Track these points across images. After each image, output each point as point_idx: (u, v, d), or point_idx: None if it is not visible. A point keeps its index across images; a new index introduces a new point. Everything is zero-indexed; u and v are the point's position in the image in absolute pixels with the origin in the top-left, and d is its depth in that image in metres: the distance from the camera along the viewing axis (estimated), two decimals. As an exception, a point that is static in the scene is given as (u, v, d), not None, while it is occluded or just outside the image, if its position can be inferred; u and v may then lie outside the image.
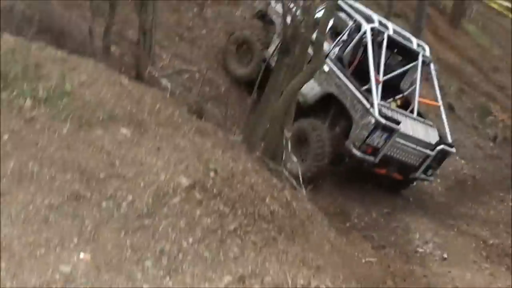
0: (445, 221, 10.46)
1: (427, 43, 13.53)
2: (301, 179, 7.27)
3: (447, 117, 14.82)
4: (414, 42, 10.78)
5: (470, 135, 15.02)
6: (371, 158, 9.50)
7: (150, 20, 6.90)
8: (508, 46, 22.60)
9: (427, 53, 10.93)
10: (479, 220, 11.28)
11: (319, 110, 10.06)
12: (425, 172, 10.36)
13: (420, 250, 8.54)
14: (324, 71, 9.68)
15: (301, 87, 6.81)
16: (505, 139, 15.55)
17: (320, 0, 6.35)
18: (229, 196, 4.94)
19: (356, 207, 9.81)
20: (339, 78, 9.74)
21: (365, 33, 9.91)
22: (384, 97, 9.87)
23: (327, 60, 9.73)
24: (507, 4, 23.02)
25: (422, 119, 10.47)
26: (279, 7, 11.05)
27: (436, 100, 11.25)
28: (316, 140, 9.56)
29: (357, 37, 10.02)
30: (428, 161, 10.18)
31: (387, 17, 12.78)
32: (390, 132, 9.37)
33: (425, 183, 11.96)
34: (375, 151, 9.44)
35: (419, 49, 10.74)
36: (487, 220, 11.44)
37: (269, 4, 11.75)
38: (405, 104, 10.68)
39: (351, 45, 10.06)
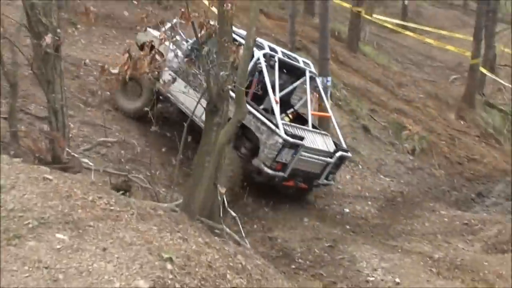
0: (387, 243, 10.41)
1: (331, 71, 13.77)
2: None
3: (364, 138, 15.21)
4: (300, 61, 11.54)
5: (389, 152, 15.22)
6: (281, 174, 10.14)
7: (59, 98, 6.41)
8: (405, 61, 23.48)
9: (312, 69, 11.72)
10: (417, 235, 11.31)
11: None
12: (326, 178, 11.04)
13: (371, 278, 8.34)
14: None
15: (229, 141, 6.53)
16: (422, 150, 15.88)
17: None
18: (191, 286, 4.49)
19: (296, 246, 9.58)
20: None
21: (258, 59, 10.46)
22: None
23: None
24: (397, 21, 23.91)
25: (318, 130, 11.28)
26: (167, 42, 11.37)
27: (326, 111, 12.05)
28: (226, 164, 9.55)
29: (251, 64, 10.19)
30: (329, 168, 10.89)
31: (292, 51, 12.86)
32: (296, 148, 10.06)
33: (358, 208, 12.02)
34: (284, 166, 10.12)
35: (306, 66, 11.51)
36: (425, 233, 11.50)
37: (154, 36, 11.57)
38: (297, 117, 11.52)
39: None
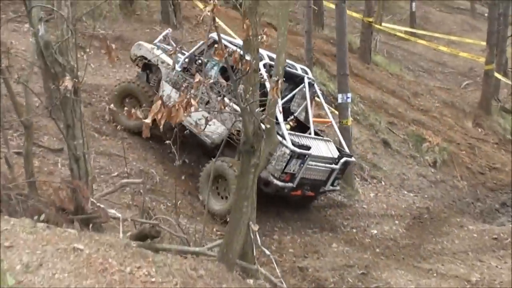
0: (420, 265, 10.01)
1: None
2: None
3: (384, 153, 14.80)
4: (299, 68, 11.42)
5: (411, 165, 14.81)
6: (290, 185, 10.06)
7: (81, 144, 6.01)
8: (417, 68, 23.09)
9: (311, 75, 11.58)
10: (449, 254, 10.91)
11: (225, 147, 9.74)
12: (332, 184, 10.89)
13: (412, 309, 7.90)
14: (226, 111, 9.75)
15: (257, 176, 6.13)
16: (444, 162, 15.48)
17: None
18: None
19: (328, 275, 9.15)
20: None
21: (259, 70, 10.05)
22: None
23: (226, 99, 9.60)
24: (407, 29, 23.55)
25: (320, 137, 11.15)
26: (163, 55, 11.25)
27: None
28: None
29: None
30: (334, 174, 10.75)
31: (309, 67, 12.46)
32: (303, 158, 9.97)
33: (385, 228, 11.62)
34: (292, 177, 10.04)
35: (304, 73, 11.33)
36: (456, 252, 11.10)
37: (150, 50, 11.58)
38: (297, 124, 11.19)
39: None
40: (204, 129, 9.40)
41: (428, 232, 12.08)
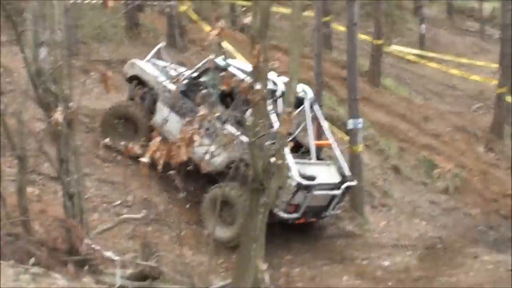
0: (435, 301, 9.58)
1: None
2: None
3: (395, 179, 14.39)
4: (299, 88, 10.79)
5: (422, 193, 14.39)
6: (295, 215, 9.95)
7: (75, 180, 5.64)
8: (426, 92, 22.69)
9: (311, 95, 11.10)
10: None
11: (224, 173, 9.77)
12: (333, 208, 10.77)
13: None
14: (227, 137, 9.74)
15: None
16: (456, 189, 15.03)
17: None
18: None
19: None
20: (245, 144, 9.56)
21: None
22: None
23: (227, 125, 9.98)
24: (416, 51, 23.20)
25: (322, 161, 10.95)
26: (157, 74, 11.03)
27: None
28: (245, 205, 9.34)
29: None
30: (336, 199, 10.61)
31: (319, 91, 12.12)
32: (309, 189, 9.80)
33: (397, 259, 11.19)
34: (297, 208, 9.89)
35: (304, 94, 10.92)
36: (471, 285, 10.64)
37: (145, 70, 11.25)
38: (296, 146, 10.69)
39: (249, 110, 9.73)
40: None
41: (442, 263, 11.65)
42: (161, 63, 11.82)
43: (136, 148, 4.38)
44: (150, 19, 16.92)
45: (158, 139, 4.02)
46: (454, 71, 20.38)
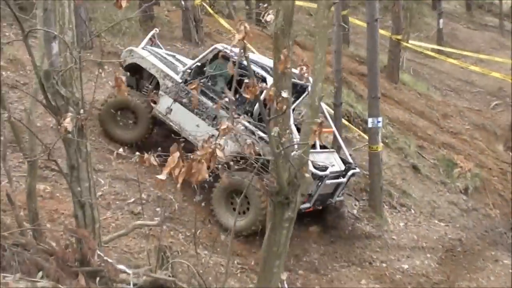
0: (456, 307, 9.29)
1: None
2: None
3: (414, 178, 14.05)
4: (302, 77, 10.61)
5: (441, 193, 14.03)
6: (307, 205, 9.86)
7: (86, 187, 5.37)
8: (444, 87, 22.27)
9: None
10: (485, 293, 10.20)
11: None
12: (338, 195, 10.74)
13: None
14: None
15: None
16: (475, 189, 14.68)
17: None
18: None
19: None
20: (256, 134, 9.55)
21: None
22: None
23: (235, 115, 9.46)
24: (435, 46, 22.77)
25: (326, 150, 10.84)
26: (157, 62, 10.77)
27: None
28: (257, 194, 9.55)
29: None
30: (342, 186, 10.63)
31: (338, 88, 11.79)
32: (322, 179, 9.73)
33: (417, 262, 10.89)
34: (309, 198, 9.83)
35: (307, 83, 10.62)
36: (493, 290, 10.39)
37: (144, 57, 10.88)
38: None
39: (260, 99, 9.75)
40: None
41: (462, 267, 11.36)
42: (157, 50, 11.54)
43: (152, 159, 4.08)
44: (165, 11, 16.64)
45: (176, 154, 3.74)
46: (474, 68, 19.93)
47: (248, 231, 9.77)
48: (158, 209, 9.65)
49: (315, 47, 5.32)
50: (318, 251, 10.35)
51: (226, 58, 9.48)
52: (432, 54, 22.07)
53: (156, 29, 12.23)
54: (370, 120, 11.48)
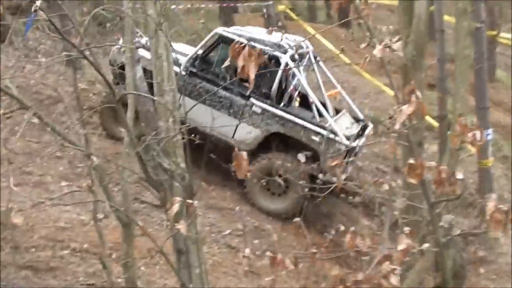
0: None
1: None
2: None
3: None
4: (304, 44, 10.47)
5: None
6: (344, 177, 8.65)
7: (198, 275, 4.65)
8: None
9: (311, 48, 10.78)
10: None
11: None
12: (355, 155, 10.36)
13: None
14: (256, 113, 9.73)
15: None
16: None
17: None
18: None
19: None
20: (281, 116, 9.67)
21: (287, 64, 9.63)
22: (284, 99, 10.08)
23: (253, 100, 9.76)
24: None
25: (341, 112, 10.53)
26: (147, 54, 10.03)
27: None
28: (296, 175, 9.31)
29: (280, 71, 9.65)
30: (363, 145, 10.27)
31: (443, 99, 10.79)
32: (354, 148, 9.58)
33: None
34: (345, 168, 9.30)
35: (308, 49, 10.57)
36: None
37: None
38: (303, 99, 10.40)
39: (276, 80, 9.74)
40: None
41: None
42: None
43: (288, 263, 3.42)
44: (245, 19, 16.01)
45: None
46: None
47: (287, 214, 9.38)
48: (256, 241, 9.07)
49: (457, 85, 4.48)
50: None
51: (229, 41, 9.30)
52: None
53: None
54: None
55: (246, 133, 9.79)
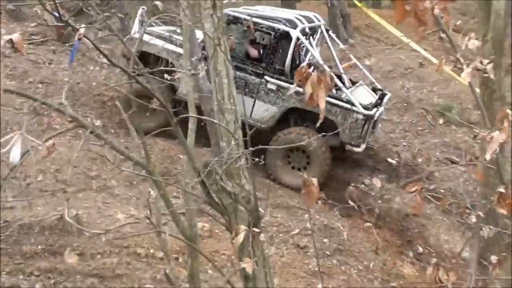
0: None
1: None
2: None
3: None
4: (314, 18, 10.78)
5: None
6: (363, 147, 9.82)
7: None
8: None
9: (322, 20, 10.99)
10: None
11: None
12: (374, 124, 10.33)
13: None
14: (272, 90, 9.82)
15: None
16: None
17: None
18: None
19: None
20: (296, 91, 9.02)
21: (298, 39, 9.74)
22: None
23: (267, 78, 9.83)
24: None
25: (358, 83, 10.67)
26: (164, 44, 10.13)
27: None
28: (318, 147, 9.58)
29: (292, 47, 9.69)
30: (381, 115, 10.38)
31: None
32: (372, 118, 9.57)
33: None
34: (364, 139, 9.76)
35: (319, 22, 10.77)
36: None
37: (151, 43, 10.16)
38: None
39: (289, 56, 9.74)
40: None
41: None
42: (155, 30, 10.54)
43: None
44: (309, 8, 15.62)
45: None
46: None
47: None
48: (325, 240, 8.75)
49: None
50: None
51: (236, 22, 9.77)
52: None
53: (143, 7, 11.04)
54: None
55: (264, 111, 9.93)
